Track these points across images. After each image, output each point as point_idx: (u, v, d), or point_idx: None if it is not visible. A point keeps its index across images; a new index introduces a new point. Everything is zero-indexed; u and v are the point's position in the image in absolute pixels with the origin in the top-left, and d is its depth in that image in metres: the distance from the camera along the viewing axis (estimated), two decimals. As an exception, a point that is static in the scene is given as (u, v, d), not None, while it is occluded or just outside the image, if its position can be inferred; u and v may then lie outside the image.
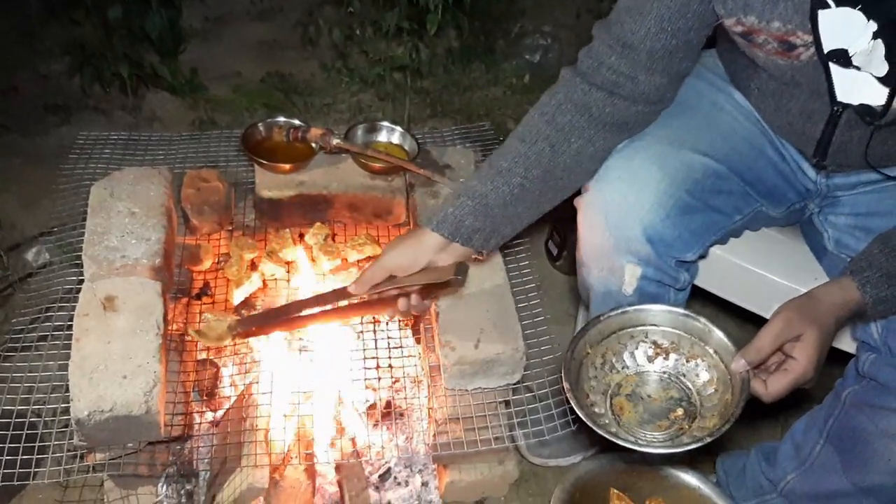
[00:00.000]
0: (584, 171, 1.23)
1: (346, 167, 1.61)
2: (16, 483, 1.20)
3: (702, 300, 1.90)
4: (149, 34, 2.51)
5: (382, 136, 1.67)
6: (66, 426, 1.23)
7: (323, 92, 2.67)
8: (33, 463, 1.23)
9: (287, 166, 1.58)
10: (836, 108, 1.11)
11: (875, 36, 0.99)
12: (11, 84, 2.61)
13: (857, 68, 1.04)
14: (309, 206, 1.59)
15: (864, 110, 1.08)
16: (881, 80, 1.03)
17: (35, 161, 2.28)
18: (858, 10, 0.98)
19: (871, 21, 0.98)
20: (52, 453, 1.24)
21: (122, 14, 2.43)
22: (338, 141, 1.58)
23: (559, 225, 2.03)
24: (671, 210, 1.18)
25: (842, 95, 1.09)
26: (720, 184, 1.23)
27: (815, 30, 1.02)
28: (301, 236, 1.59)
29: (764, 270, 1.32)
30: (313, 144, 1.60)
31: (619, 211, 1.19)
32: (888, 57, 1.00)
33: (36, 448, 1.24)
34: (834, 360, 1.23)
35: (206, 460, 1.42)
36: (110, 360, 1.23)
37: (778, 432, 1.69)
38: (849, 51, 1.02)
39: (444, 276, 1.20)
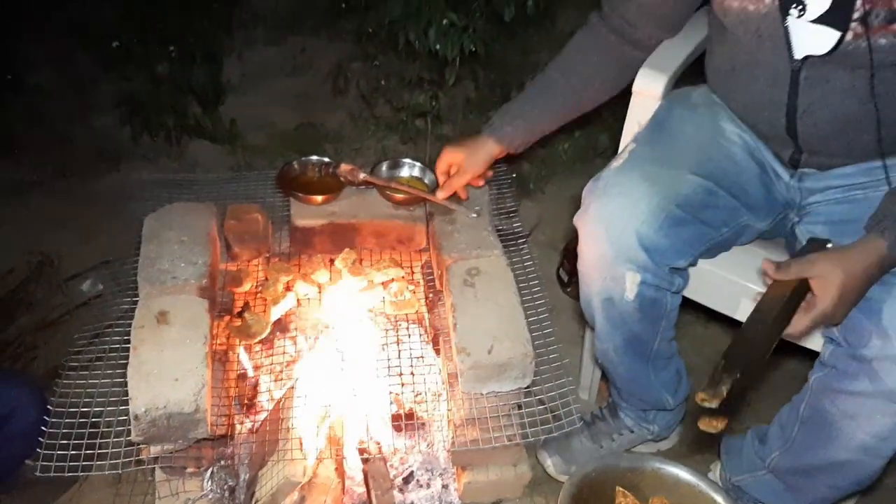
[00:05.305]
0: (600, 99, 1.62)
1: (372, 199, 1.78)
2: (79, 474, 1.33)
3: (695, 313, 2.03)
4: (193, 88, 2.72)
5: (404, 171, 1.84)
6: (121, 435, 1.36)
7: (351, 138, 2.85)
8: (94, 457, 1.35)
9: (319, 198, 1.75)
10: (794, 65, 1.27)
11: None
12: (67, 136, 2.83)
13: (804, 7, 1.20)
14: (338, 234, 1.75)
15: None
16: (824, 18, 1.20)
17: (89, 202, 2.47)
18: None
19: None
20: (111, 448, 1.36)
21: (168, 69, 2.66)
22: (364, 175, 1.75)
23: (570, 254, 2.17)
24: (663, 222, 1.33)
25: (798, 50, 1.25)
26: (708, 199, 1.39)
27: None
28: (331, 261, 1.75)
29: (748, 282, 1.44)
30: (342, 179, 1.77)
31: (618, 223, 1.34)
32: None
33: (96, 444, 1.35)
34: (811, 357, 1.37)
35: (245, 463, 1.56)
36: (164, 366, 1.37)
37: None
38: None
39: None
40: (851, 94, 1.25)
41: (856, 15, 1.16)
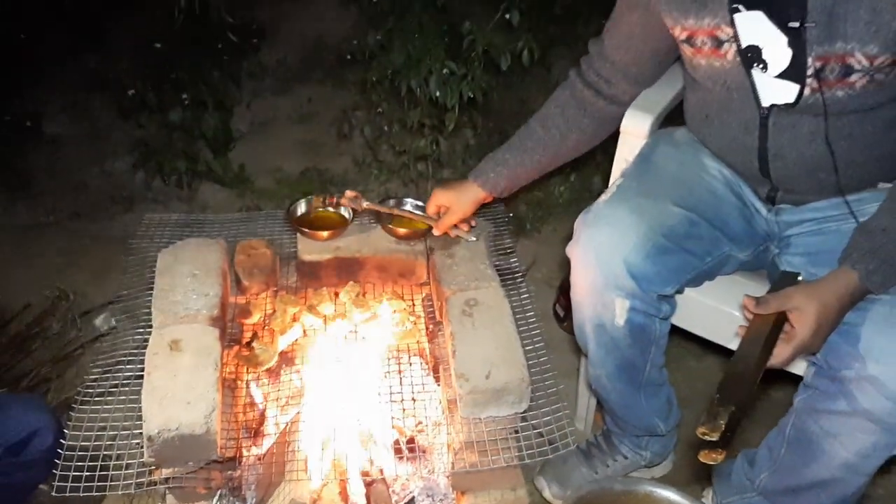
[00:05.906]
0: (579, 151, 1.72)
1: (376, 234, 1.87)
2: (93, 494, 1.39)
3: (687, 346, 2.10)
4: (204, 134, 2.85)
5: (407, 208, 1.92)
6: (134, 458, 1.42)
7: (355, 183, 2.94)
8: (108, 478, 1.41)
9: (325, 234, 1.84)
10: (762, 111, 1.37)
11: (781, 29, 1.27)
12: (82, 180, 2.94)
13: (766, 64, 1.30)
14: (343, 268, 1.84)
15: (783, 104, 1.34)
16: (786, 73, 1.29)
17: (102, 242, 2.56)
18: (763, 13, 1.27)
19: (772, 23, 1.26)
20: (124, 471, 1.42)
21: (181, 117, 2.78)
22: (367, 203, 1.85)
23: (566, 290, 2.24)
24: (650, 251, 1.41)
25: (764, 99, 1.35)
26: (692, 230, 1.47)
27: (733, 24, 1.30)
28: (336, 294, 1.83)
29: (733, 310, 1.51)
30: (345, 211, 1.87)
31: (607, 252, 1.42)
32: (791, 45, 1.27)
33: (110, 467, 1.42)
34: (795, 384, 1.44)
35: (252, 487, 1.61)
36: (176, 390, 1.44)
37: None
38: (761, 48, 1.29)
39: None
40: (816, 138, 1.34)
41: (809, 71, 1.26)
